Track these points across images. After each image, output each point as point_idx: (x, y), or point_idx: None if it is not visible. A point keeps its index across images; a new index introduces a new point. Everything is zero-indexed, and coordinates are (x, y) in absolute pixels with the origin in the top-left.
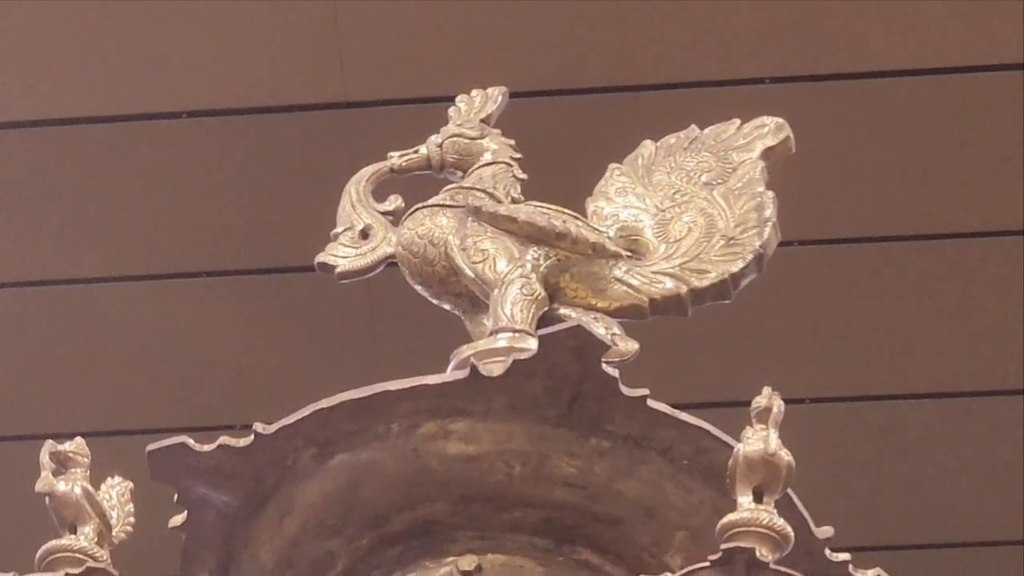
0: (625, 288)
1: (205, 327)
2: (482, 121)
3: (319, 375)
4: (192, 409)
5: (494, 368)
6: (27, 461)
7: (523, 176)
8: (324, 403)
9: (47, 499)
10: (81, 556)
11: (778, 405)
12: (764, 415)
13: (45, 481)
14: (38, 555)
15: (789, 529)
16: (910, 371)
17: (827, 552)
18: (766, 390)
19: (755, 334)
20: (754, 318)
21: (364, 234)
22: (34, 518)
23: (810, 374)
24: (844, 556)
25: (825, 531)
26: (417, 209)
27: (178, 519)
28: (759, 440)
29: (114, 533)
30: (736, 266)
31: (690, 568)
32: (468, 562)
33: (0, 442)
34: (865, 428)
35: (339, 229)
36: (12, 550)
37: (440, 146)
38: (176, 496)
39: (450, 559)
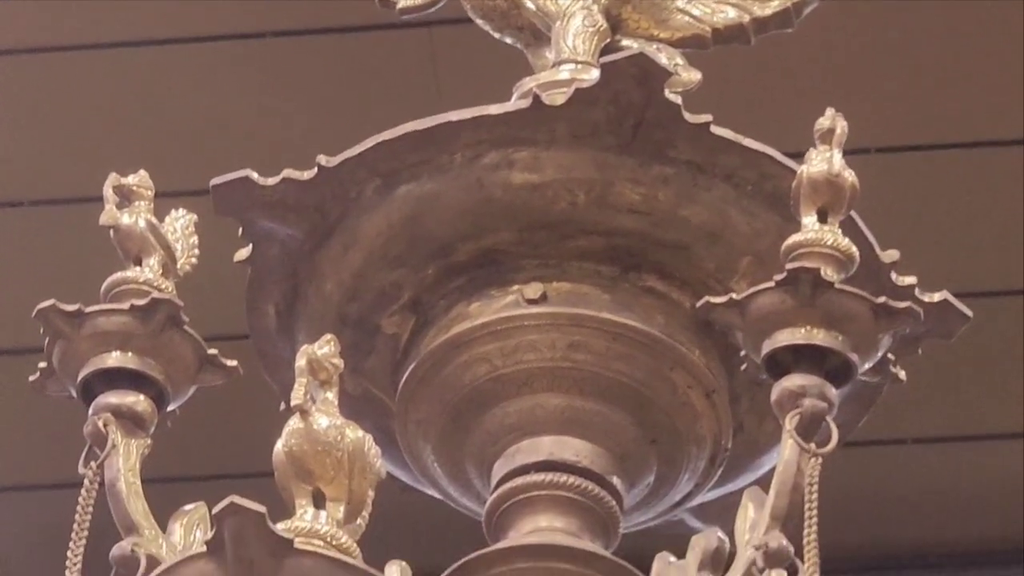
0: (687, 18)
1: (271, 87)
2: None
3: (386, 126)
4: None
5: (556, 97)
6: (88, 220)
7: None
8: (387, 134)
9: (111, 232)
10: (146, 288)
11: (841, 126)
12: (827, 136)
13: (109, 214)
14: (103, 287)
15: (854, 249)
16: (978, 118)
17: (893, 275)
18: (829, 111)
19: (819, 83)
20: (817, 67)
21: None
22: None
23: (875, 123)
24: (910, 280)
25: (891, 255)
26: None
27: (243, 253)
28: (823, 161)
29: (179, 265)
30: None
31: (755, 288)
32: (533, 290)
33: (66, 204)
34: (931, 177)
35: None
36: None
37: None
38: (241, 230)
39: (515, 287)
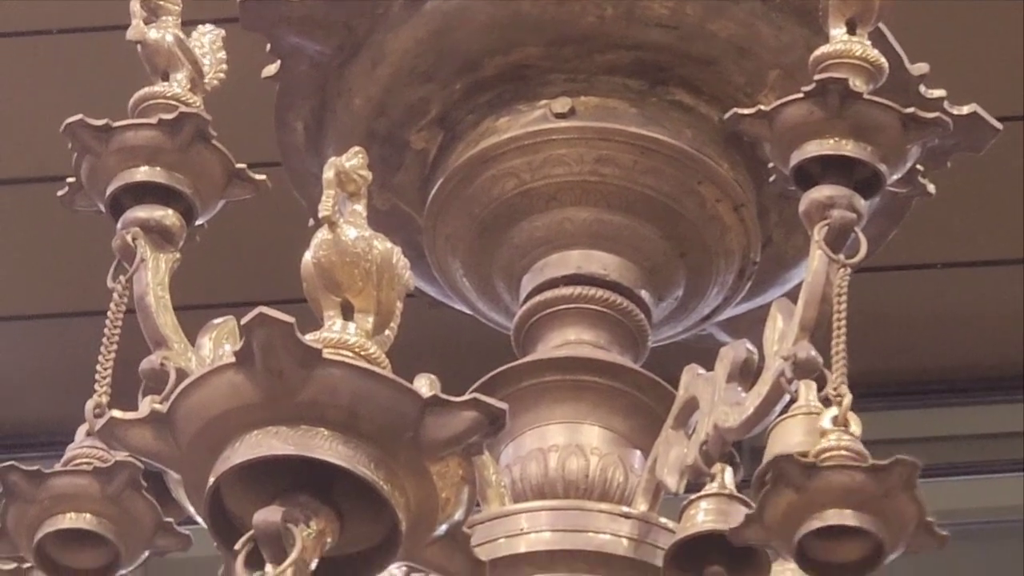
0: None
1: None
2: None
3: None
4: None
5: None
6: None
7: None
8: None
9: (139, 47)
10: (174, 102)
11: None
12: None
13: (136, 29)
14: (131, 102)
15: (883, 60)
16: None
17: (922, 88)
18: None
19: None
20: None
21: None
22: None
23: None
24: (939, 92)
25: (920, 67)
26: None
27: (271, 69)
28: None
29: (206, 80)
30: None
31: (784, 99)
32: (561, 104)
33: (94, 32)
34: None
35: None
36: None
37: None
38: (269, 46)
39: (543, 102)
